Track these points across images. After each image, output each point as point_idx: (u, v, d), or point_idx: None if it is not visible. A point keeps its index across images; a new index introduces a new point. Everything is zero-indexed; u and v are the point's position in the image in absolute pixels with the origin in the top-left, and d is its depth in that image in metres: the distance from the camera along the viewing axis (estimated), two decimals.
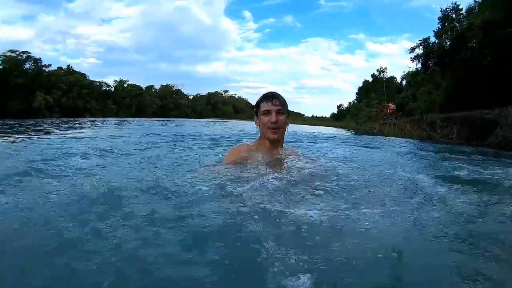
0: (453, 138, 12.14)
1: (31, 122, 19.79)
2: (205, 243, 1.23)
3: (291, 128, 2.54)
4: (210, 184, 1.95)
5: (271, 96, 2.37)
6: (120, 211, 1.52)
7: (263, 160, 2.35)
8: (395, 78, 51.21)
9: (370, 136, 14.11)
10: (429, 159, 5.05)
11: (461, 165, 3.68)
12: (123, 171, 2.62)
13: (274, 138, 2.38)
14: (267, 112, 2.33)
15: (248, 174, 2.13)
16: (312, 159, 2.69)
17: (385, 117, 26.15)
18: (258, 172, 2.15)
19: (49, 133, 9.94)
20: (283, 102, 2.37)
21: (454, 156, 5.60)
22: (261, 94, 2.45)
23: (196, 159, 3.35)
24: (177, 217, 1.45)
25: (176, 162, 3.05)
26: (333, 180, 2.14)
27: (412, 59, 21.77)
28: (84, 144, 4.79)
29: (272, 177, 2.03)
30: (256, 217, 1.43)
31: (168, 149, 4.46)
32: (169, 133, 8.87)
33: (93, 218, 1.42)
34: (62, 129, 12.80)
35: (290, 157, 2.48)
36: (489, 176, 2.98)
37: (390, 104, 33.74)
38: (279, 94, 2.41)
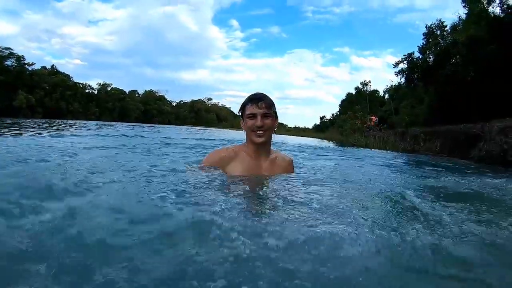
0: (436, 151, 12.23)
1: (9, 121, 19.01)
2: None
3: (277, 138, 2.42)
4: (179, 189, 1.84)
5: (256, 99, 2.21)
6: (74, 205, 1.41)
7: (239, 168, 2.25)
8: (378, 91, 52.66)
9: (356, 148, 14.20)
10: (415, 173, 5.07)
11: (445, 178, 3.80)
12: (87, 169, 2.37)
13: (259, 142, 2.23)
14: (252, 116, 2.19)
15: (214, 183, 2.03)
16: (294, 177, 2.46)
17: (368, 129, 26.51)
18: (224, 183, 2.08)
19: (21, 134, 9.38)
20: (269, 105, 2.21)
21: (438, 169, 5.62)
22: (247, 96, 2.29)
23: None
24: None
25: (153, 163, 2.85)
26: (316, 197, 1.96)
27: (396, 73, 22.27)
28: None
29: (238, 191, 1.92)
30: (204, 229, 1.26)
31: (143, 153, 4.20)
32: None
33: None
34: (39, 131, 12.18)
35: (271, 171, 2.34)
36: (473, 189, 2.97)
37: (372, 117, 34.33)
38: (265, 96, 2.25)
